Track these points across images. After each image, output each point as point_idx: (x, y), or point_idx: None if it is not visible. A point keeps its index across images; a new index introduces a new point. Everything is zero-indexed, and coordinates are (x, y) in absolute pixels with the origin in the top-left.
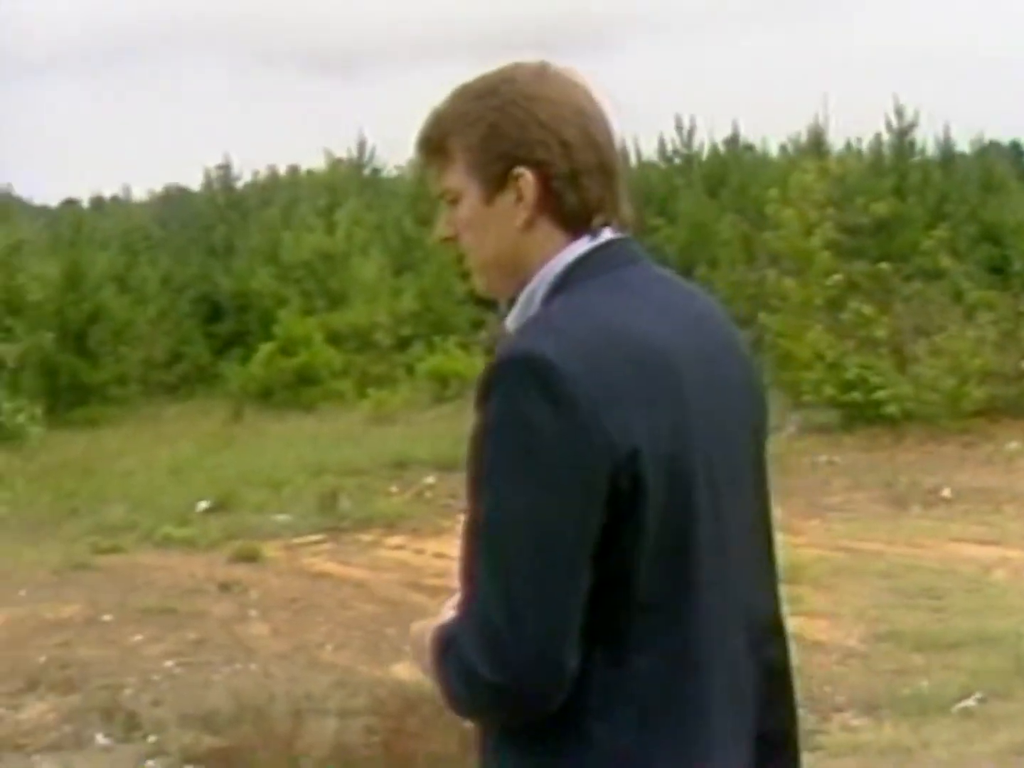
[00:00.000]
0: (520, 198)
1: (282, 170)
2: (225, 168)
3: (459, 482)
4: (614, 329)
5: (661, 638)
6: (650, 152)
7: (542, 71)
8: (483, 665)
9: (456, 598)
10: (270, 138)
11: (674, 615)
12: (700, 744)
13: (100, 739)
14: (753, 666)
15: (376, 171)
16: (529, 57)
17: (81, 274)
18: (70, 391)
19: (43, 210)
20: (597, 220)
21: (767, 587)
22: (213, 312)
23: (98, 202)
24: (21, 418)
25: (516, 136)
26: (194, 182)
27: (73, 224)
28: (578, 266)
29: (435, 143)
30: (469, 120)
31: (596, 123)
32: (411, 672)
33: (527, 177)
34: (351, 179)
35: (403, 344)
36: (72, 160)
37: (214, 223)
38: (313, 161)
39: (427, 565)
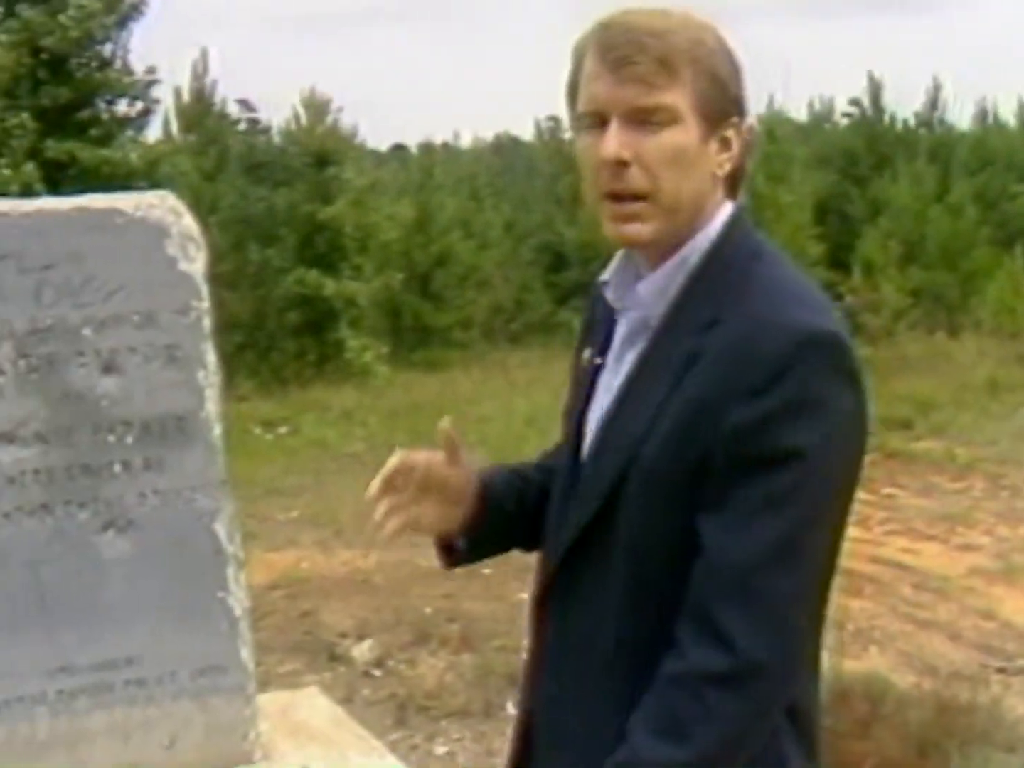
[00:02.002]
0: (728, 147)
1: None
2: (556, 119)
3: None
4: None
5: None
6: (1006, 114)
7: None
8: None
9: None
10: None
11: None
12: None
13: (510, 709)
14: None
15: None
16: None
17: (430, 217)
18: (412, 332)
19: (373, 154)
20: (741, 187)
21: None
22: (556, 261)
23: (427, 148)
24: (368, 356)
25: (738, 89)
26: (524, 132)
27: (424, 168)
28: (733, 228)
29: (661, 57)
30: (708, 52)
31: None
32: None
33: (740, 130)
34: None
35: None
36: (400, 106)
37: (559, 173)
38: None
39: None
